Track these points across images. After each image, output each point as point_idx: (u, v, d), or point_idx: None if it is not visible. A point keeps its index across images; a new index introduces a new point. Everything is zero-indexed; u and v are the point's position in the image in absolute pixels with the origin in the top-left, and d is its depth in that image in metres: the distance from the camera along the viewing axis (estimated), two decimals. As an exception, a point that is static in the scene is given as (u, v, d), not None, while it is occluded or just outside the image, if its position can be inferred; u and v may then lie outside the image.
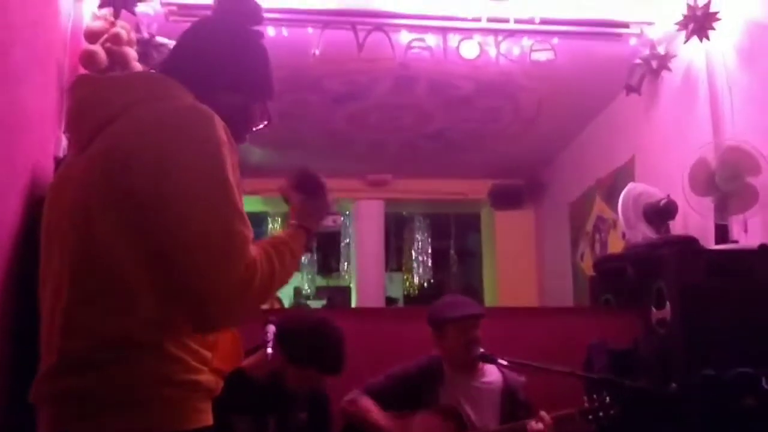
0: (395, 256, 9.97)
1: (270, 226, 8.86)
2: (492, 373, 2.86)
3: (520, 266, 7.13)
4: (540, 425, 2.53)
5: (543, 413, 2.59)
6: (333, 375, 2.45)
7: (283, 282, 1.37)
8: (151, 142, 1.25)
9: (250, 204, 7.23)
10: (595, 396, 2.61)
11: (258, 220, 8.69)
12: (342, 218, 8.10)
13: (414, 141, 6.07)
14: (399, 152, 6.34)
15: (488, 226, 7.83)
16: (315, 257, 9.20)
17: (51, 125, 2.55)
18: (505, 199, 7.22)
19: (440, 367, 2.84)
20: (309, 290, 9.60)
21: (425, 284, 9.74)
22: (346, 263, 8.98)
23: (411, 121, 5.58)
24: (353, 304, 7.74)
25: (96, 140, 1.32)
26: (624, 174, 4.85)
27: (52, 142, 2.55)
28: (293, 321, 2.40)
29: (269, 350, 2.22)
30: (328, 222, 1.65)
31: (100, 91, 1.39)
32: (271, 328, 2.29)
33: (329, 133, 5.82)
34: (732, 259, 3.12)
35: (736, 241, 3.35)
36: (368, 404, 2.72)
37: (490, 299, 7.49)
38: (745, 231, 3.36)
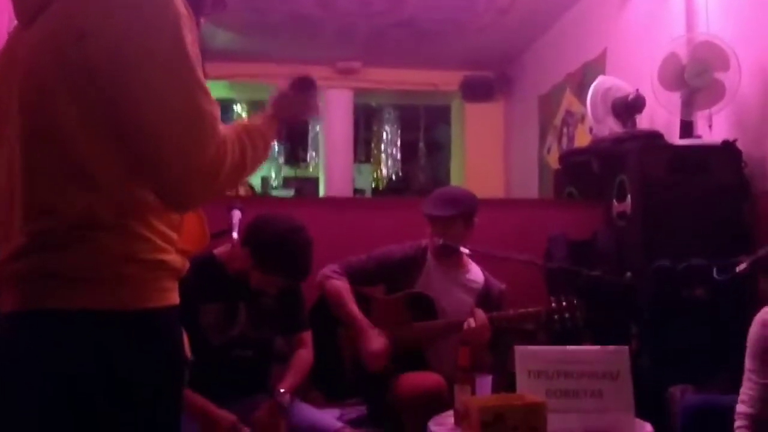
0: (364, 147, 9.94)
1: (237, 112, 8.72)
2: (476, 273, 2.93)
3: (488, 159, 7.18)
4: (473, 322, 2.62)
5: (478, 310, 2.66)
6: (298, 282, 2.48)
7: (255, 167, 1.35)
8: (106, 17, 1.20)
9: (215, 89, 7.06)
10: (562, 297, 2.70)
11: (224, 106, 8.53)
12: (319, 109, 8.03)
13: (384, 28, 5.91)
14: (369, 39, 6.19)
15: (458, 119, 7.80)
16: (283, 146, 9.11)
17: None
18: (476, 91, 7.16)
19: (423, 255, 2.90)
20: (277, 180, 9.58)
21: (393, 176, 9.78)
22: (314, 154, 8.93)
23: (382, 6, 5.41)
24: (321, 195, 7.77)
25: (43, 14, 1.26)
26: (594, 68, 4.82)
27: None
28: (263, 225, 2.37)
29: (234, 235, 2.23)
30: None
31: None
32: (237, 213, 2.29)
33: (297, 18, 5.63)
34: (694, 155, 3.18)
35: (700, 137, 3.40)
36: (344, 289, 2.77)
37: (458, 190, 7.56)
38: (710, 127, 3.40)
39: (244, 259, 2.35)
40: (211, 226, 1.62)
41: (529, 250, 3.06)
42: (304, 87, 1.57)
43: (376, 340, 2.67)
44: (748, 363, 2.18)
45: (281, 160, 9.37)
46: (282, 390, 2.35)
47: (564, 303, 2.67)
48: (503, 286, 2.92)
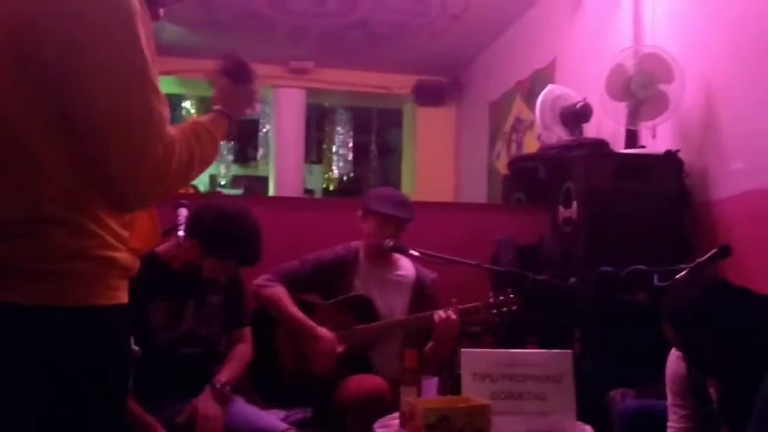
0: (315, 148, 9.90)
1: (185, 108, 8.58)
2: (406, 267, 2.94)
3: (438, 163, 7.24)
4: (450, 313, 2.65)
5: (453, 301, 2.69)
6: (251, 266, 2.46)
7: (202, 168, 1.34)
8: (58, 10, 1.16)
9: (164, 85, 6.87)
10: (500, 291, 2.74)
11: (173, 102, 8.39)
12: (261, 105, 7.92)
13: (338, 29, 5.90)
14: (322, 40, 6.16)
15: (410, 122, 7.84)
16: (233, 144, 9.02)
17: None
18: (428, 95, 7.21)
19: (356, 257, 2.89)
20: (225, 179, 9.47)
21: (345, 178, 9.77)
22: (264, 153, 8.86)
23: (335, 7, 5.40)
24: (271, 195, 7.70)
25: None
26: (544, 76, 4.90)
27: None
28: (209, 213, 2.34)
29: (180, 233, 2.20)
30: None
31: None
32: (183, 212, 2.25)
33: (249, 15, 5.57)
34: (638, 164, 3.27)
35: (644, 147, 3.49)
36: (280, 293, 2.76)
37: (407, 193, 7.60)
38: (654, 137, 3.50)
39: (191, 251, 2.31)
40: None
41: (478, 253, 3.09)
42: (242, 76, 1.55)
43: (324, 339, 2.66)
44: (669, 398, 2.17)
45: (230, 158, 9.27)
46: (222, 380, 2.32)
47: (502, 297, 2.70)
48: (434, 275, 2.94)
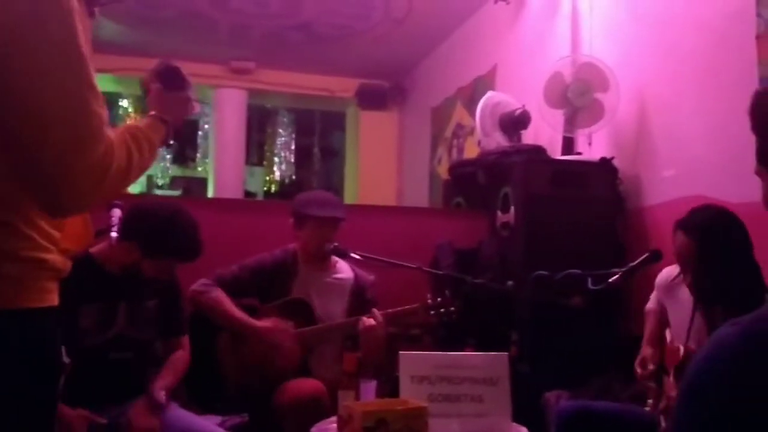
0: (256, 149, 9.80)
1: (123, 107, 8.38)
2: (344, 270, 2.93)
3: (381, 166, 7.27)
4: (372, 321, 2.65)
5: (375, 310, 2.69)
6: (192, 261, 2.42)
7: (140, 173, 1.32)
8: None
9: (102, 83, 6.70)
10: (436, 293, 2.76)
11: (110, 100, 8.18)
12: (201, 106, 7.78)
13: (281, 30, 5.86)
14: (264, 40, 6.11)
15: (353, 126, 7.84)
16: (171, 145, 8.85)
17: None
18: (371, 99, 7.24)
19: (294, 260, 2.87)
20: (163, 180, 9.27)
21: (286, 180, 9.69)
22: (204, 154, 8.72)
23: (278, 8, 5.36)
24: (210, 196, 7.58)
25: None
26: (485, 83, 4.98)
27: None
28: (144, 214, 2.30)
29: (114, 234, 2.14)
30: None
31: None
32: (116, 212, 2.20)
33: (190, 14, 5.48)
34: (574, 170, 3.35)
35: (580, 154, 3.58)
36: (220, 296, 2.73)
37: (350, 197, 7.60)
38: (590, 144, 3.59)
39: (129, 253, 2.26)
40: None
41: (419, 257, 3.11)
42: (175, 82, 1.54)
43: (278, 330, 2.67)
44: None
45: (169, 158, 9.09)
46: (156, 389, 2.27)
47: (440, 299, 2.73)
48: (372, 277, 2.95)
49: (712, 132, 2.88)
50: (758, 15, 2.62)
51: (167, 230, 2.28)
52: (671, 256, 2.48)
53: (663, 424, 2.16)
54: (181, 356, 2.49)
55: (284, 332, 2.69)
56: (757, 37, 2.62)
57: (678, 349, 2.23)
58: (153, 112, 1.48)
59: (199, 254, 2.38)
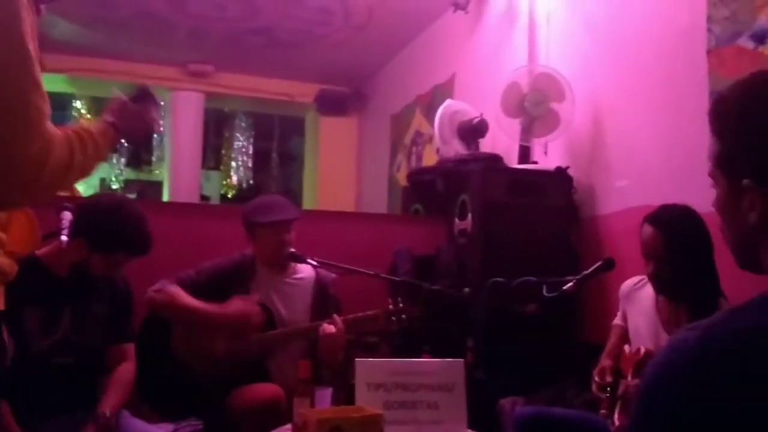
0: (213, 153, 9.69)
1: (76, 108, 8.20)
2: (304, 270, 2.90)
3: (340, 172, 7.26)
4: (332, 328, 2.64)
5: (336, 316, 2.67)
6: (142, 254, 2.36)
7: (83, 173, 1.30)
8: None
9: (54, 83, 6.58)
10: (399, 299, 2.76)
11: (62, 101, 8.00)
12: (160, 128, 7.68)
13: (240, 34, 5.82)
14: (223, 43, 6.06)
15: (312, 131, 7.82)
16: (126, 147, 8.71)
17: None
18: (331, 105, 7.23)
19: (253, 263, 2.84)
20: (117, 183, 9.10)
21: (244, 185, 9.61)
22: (159, 157, 8.59)
23: (237, 11, 5.32)
24: (165, 200, 7.46)
25: None
26: (443, 91, 5.01)
27: None
28: (91, 208, 2.26)
29: (64, 238, 2.09)
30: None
31: None
32: (67, 215, 2.14)
33: (147, 15, 5.40)
34: (530, 179, 3.39)
35: (536, 162, 3.63)
36: (177, 290, 2.66)
37: (309, 203, 7.57)
38: (545, 153, 3.64)
39: (78, 251, 2.21)
40: (41, 229, 1.52)
41: (378, 263, 3.11)
42: (145, 99, 1.53)
43: (244, 312, 2.62)
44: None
45: (123, 161, 8.93)
46: (106, 412, 2.21)
47: (401, 304, 2.73)
48: (333, 275, 2.92)
49: (664, 143, 2.94)
50: (709, 30, 2.70)
51: (113, 222, 2.24)
52: (624, 265, 2.52)
53: (617, 422, 2.19)
54: (126, 369, 2.40)
55: (255, 314, 2.63)
56: (708, 52, 2.70)
57: (638, 350, 2.27)
58: (110, 119, 1.46)
59: (148, 248, 2.33)
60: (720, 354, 0.75)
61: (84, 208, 2.26)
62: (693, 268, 2.22)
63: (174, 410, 2.69)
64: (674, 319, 2.28)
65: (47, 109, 1.18)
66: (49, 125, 1.18)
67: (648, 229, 2.28)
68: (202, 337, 2.68)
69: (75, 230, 2.19)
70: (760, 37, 2.47)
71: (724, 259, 2.16)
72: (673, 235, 2.23)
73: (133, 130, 1.52)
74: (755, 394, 0.71)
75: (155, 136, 8.59)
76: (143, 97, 1.56)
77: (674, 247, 2.22)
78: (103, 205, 2.29)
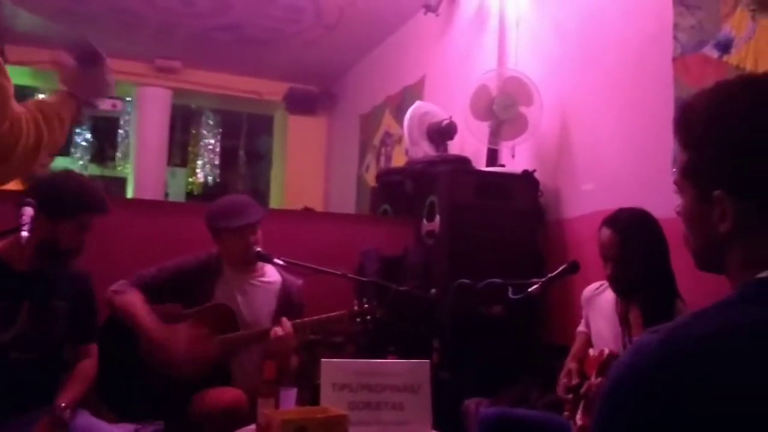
0: (180, 150, 9.56)
1: (39, 103, 8.02)
2: (271, 274, 2.88)
3: (309, 172, 7.22)
4: (280, 331, 2.61)
5: (284, 319, 2.64)
6: (103, 212, 2.34)
7: (51, 149, 1.28)
8: None
9: (17, 76, 6.44)
10: (364, 300, 2.75)
11: (26, 94, 7.83)
12: (123, 103, 7.53)
13: (209, 30, 5.75)
14: (192, 39, 5.99)
15: (281, 129, 7.77)
16: (90, 142, 8.56)
17: None
18: (300, 104, 7.19)
19: (219, 263, 2.80)
20: (81, 178, 8.92)
21: (210, 183, 9.50)
22: (124, 153, 8.45)
23: (207, 7, 5.26)
24: (130, 197, 7.35)
25: None
26: (413, 92, 5.02)
27: None
28: (43, 182, 2.26)
29: (24, 233, 2.04)
30: (107, 105, 1.56)
31: None
32: (28, 211, 2.10)
33: (115, 9, 5.32)
34: (498, 181, 3.41)
35: (503, 166, 3.65)
36: (136, 301, 2.63)
37: (276, 202, 7.53)
38: (513, 156, 3.67)
39: (43, 228, 2.19)
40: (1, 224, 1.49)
41: (345, 263, 3.10)
42: (93, 61, 1.49)
43: (167, 333, 2.59)
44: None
45: (88, 156, 8.77)
46: (62, 404, 2.17)
47: (366, 305, 2.72)
48: (300, 282, 2.90)
49: (629, 148, 2.99)
50: (675, 38, 2.75)
51: (66, 186, 2.28)
52: (589, 268, 2.55)
53: (579, 422, 2.21)
54: (88, 366, 2.39)
55: (174, 345, 2.60)
56: (674, 60, 2.74)
57: (602, 352, 2.30)
58: (64, 89, 1.43)
59: (106, 205, 2.35)
60: (682, 357, 0.75)
61: (36, 185, 2.25)
62: (649, 270, 2.26)
63: (134, 412, 2.64)
64: (632, 320, 2.31)
65: (11, 86, 1.15)
66: (14, 104, 1.16)
67: (606, 232, 2.33)
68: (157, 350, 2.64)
69: (38, 211, 2.15)
70: (724, 47, 2.52)
71: (681, 261, 2.21)
72: (630, 237, 2.28)
73: (91, 95, 1.49)
74: (716, 397, 0.72)
75: (120, 131, 8.47)
76: (92, 58, 1.51)
77: (631, 249, 2.27)
78: (52, 177, 2.31)
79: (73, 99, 1.42)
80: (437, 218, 3.33)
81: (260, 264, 2.84)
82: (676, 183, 0.95)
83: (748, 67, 2.42)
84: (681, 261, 2.20)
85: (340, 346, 3.05)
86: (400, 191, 3.79)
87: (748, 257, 0.85)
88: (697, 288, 1.78)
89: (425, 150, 3.90)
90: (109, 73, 1.54)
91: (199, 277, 2.75)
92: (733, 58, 2.49)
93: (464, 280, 2.65)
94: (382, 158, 5.68)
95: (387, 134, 5.63)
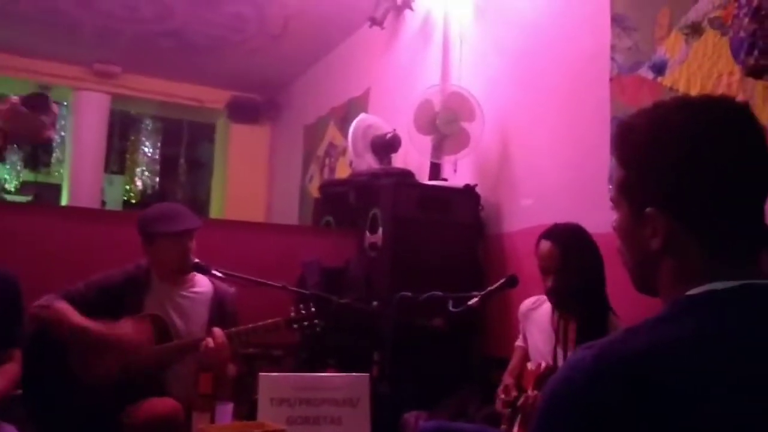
0: (117, 157, 9.34)
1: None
2: (202, 284, 2.81)
3: (250, 181, 7.14)
4: (211, 342, 2.52)
5: (216, 329, 2.56)
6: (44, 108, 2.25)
7: None
8: None
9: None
10: (301, 306, 2.72)
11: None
12: (58, 107, 7.31)
13: (150, 36, 5.65)
14: (132, 44, 5.86)
15: (223, 138, 7.67)
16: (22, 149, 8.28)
17: None
18: (243, 112, 7.12)
19: (148, 275, 2.72)
20: (12, 184, 8.63)
21: (149, 191, 9.31)
22: (59, 158, 8.20)
23: (149, 13, 5.17)
24: (64, 204, 7.13)
25: None
26: (358, 105, 5.03)
27: None
28: None
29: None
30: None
31: None
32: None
33: (51, 11, 5.16)
34: (440, 195, 3.44)
35: (446, 179, 3.69)
36: (65, 307, 2.53)
37: (216, 211, 7.41)
38: (455, 171, 3.71)
39: None
40: None
41: (285, 274, 3.06)
42: (39, 105, 1.47)
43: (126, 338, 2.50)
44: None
45: (20, 161, 8.48)
46: None
47: (303, 312, 2.68)
48: (233, 290, 2.84)
49: (567, 165, 3.05)
50: (612, 59, 2.83)
51: None
52: (527, 282, 2.59)
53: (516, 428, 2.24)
54: (12, 367, 2.31)
55: (115, 341, 2.52)
56: (611, 79, 2.83)
57: (539, 365, 2.33)
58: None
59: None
60: (615, 373, 0.77)
61: None
62: (585, 283, 2.31)
63: (64, 426, 2.54)
64: (568, 334, 2.36)
65: None
66: None
67: (546, 244, 2.38)
68: (95, 351, 2.55)
69: None
70: (659, 68, 2.61)
71: (613, 275, 2.27)
72: (570, 249, 2.34)
73: (22, 137, 1.45)
74: (649, 412, 0.74)
75: (52, 138, 8.21)
76: (38, 102, 1.48)
77: (571, 261, 2.32)
78: None
79: (1, 133, 1.38)
80: (380, 230, 3.33)
81: (192, 274, 2.78)
82: (612, 199, 0.97)
83: (681, 89, 2.50)
84: (613, 275, 2.27)
85: (278, 360, 3.01)
86: (344, 203, 3.78)
87: (678, 274, 0.88)
88: (627, 302, 1.83)
89: (369, 162, 3.90)
90: (51, 118, 1.51)
91: (128, 291, 2.65)
92: (667, 79, 2.58)
93: (406, 293, 2.65)
94: (326, 169, 5.66)
95: (331, 145, 5.62)
